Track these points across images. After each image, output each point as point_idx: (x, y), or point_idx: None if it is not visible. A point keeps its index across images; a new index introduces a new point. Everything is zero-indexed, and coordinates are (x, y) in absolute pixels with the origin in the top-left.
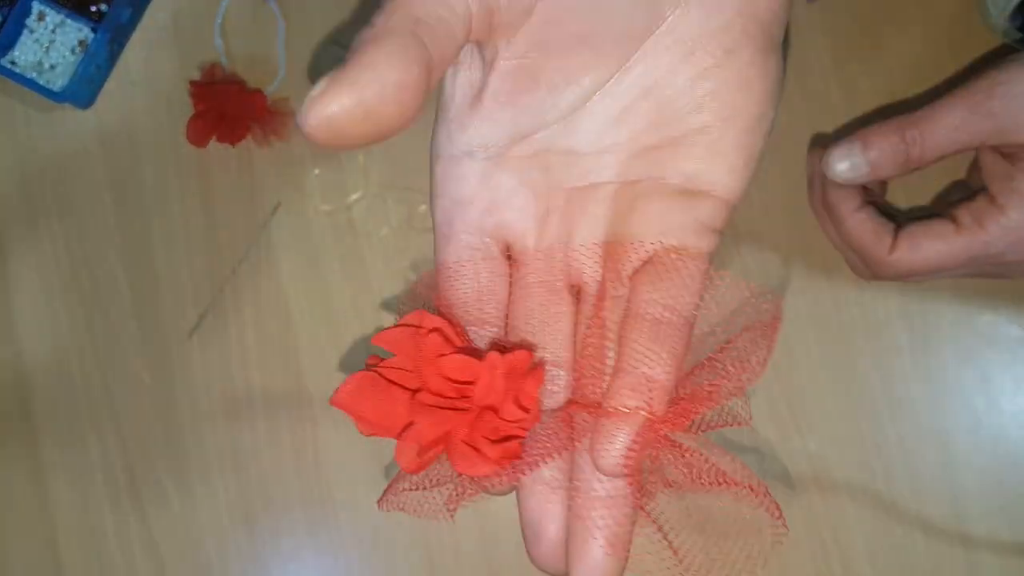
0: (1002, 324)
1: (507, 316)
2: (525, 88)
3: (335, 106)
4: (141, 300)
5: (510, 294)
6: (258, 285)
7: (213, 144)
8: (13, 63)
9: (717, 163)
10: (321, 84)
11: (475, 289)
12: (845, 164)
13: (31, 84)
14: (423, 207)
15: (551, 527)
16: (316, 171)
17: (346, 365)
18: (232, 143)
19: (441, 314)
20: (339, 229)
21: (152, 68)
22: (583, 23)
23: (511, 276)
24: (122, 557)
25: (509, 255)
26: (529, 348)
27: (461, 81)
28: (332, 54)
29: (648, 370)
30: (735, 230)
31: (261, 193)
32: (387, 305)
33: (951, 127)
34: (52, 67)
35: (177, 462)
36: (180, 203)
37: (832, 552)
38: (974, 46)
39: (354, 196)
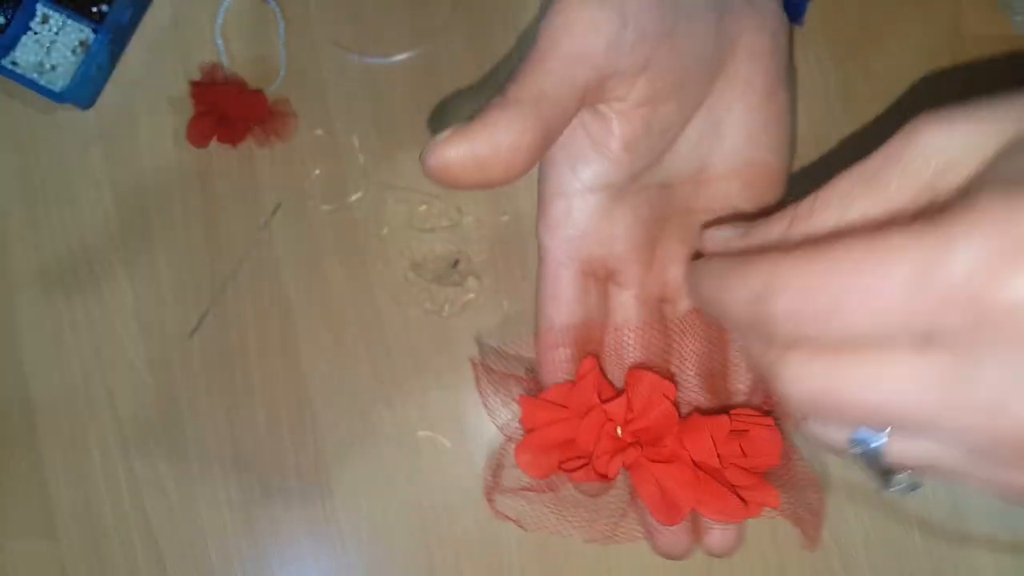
0: None
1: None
2: (643, 133)
3: (452, 153)
4: (141, 300)
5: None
6: (258, 285)
7: (214, 144)
8: (14, 64)
9: (772, 192)
10: (446, 132)
11: (587, 317)
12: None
13: (32, 85)
14: (423, 207)
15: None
16: (316, 171)
17: (347, 365)
18: (233, 143)
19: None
20: (339, 229)
21: (153, 69)
22: (677, 73)
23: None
24: (123, 557)
25: (607, 280)
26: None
27: (579, 129)
28: (332, 54)
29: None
30: None
31: (261, 193)
32: (387, 304)
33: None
34: (53, 68)
35: (178, 462)
36: (181, 203)
37: (832, 552)
38: (974, 47)
39: (354, 196)
